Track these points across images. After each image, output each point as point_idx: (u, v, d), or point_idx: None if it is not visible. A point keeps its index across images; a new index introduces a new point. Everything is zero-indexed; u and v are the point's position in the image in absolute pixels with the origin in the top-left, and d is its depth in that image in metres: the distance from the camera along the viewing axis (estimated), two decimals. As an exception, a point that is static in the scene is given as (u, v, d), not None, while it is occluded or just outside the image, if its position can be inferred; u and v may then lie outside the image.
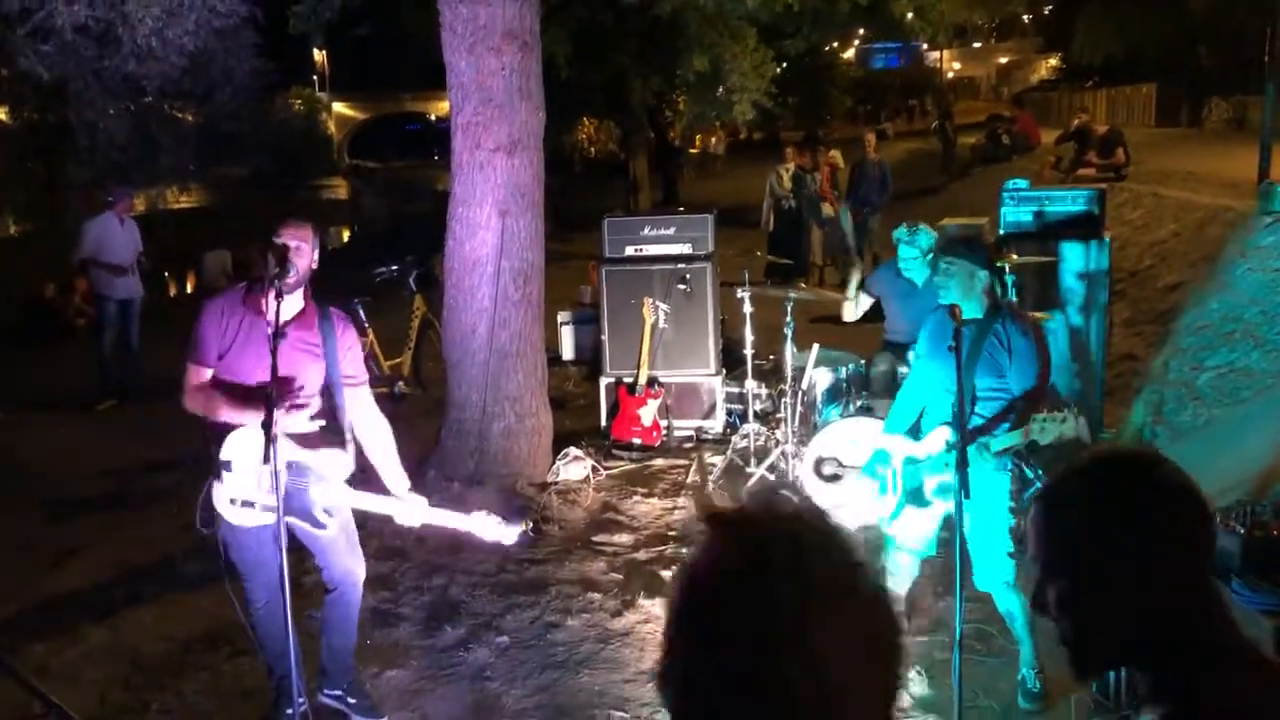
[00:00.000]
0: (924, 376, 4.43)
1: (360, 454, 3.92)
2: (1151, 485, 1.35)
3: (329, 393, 3.91)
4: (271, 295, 3.64)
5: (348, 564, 4.03)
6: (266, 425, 3.37)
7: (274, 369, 3.43)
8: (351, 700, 4.21)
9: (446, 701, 4.40)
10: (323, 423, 3.90)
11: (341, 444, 3.83)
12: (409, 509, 3.87)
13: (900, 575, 4.56)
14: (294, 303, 3.80)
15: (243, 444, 3.72)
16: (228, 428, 3.73)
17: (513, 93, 6.41)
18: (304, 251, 3.75)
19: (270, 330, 3.52)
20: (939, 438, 4.19)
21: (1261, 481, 5.40)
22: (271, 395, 3.40)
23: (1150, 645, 1.33)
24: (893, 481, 4.38)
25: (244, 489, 3.73)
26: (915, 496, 4.35)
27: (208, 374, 3.83)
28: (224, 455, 3.74)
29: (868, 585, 0.98)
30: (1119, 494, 1.35)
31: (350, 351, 3.96)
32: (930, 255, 5.45)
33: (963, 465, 3.49)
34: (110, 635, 5.05)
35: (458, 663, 4.69)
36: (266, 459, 3.46)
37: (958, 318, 3.64)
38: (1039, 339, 4.15)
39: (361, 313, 8.45)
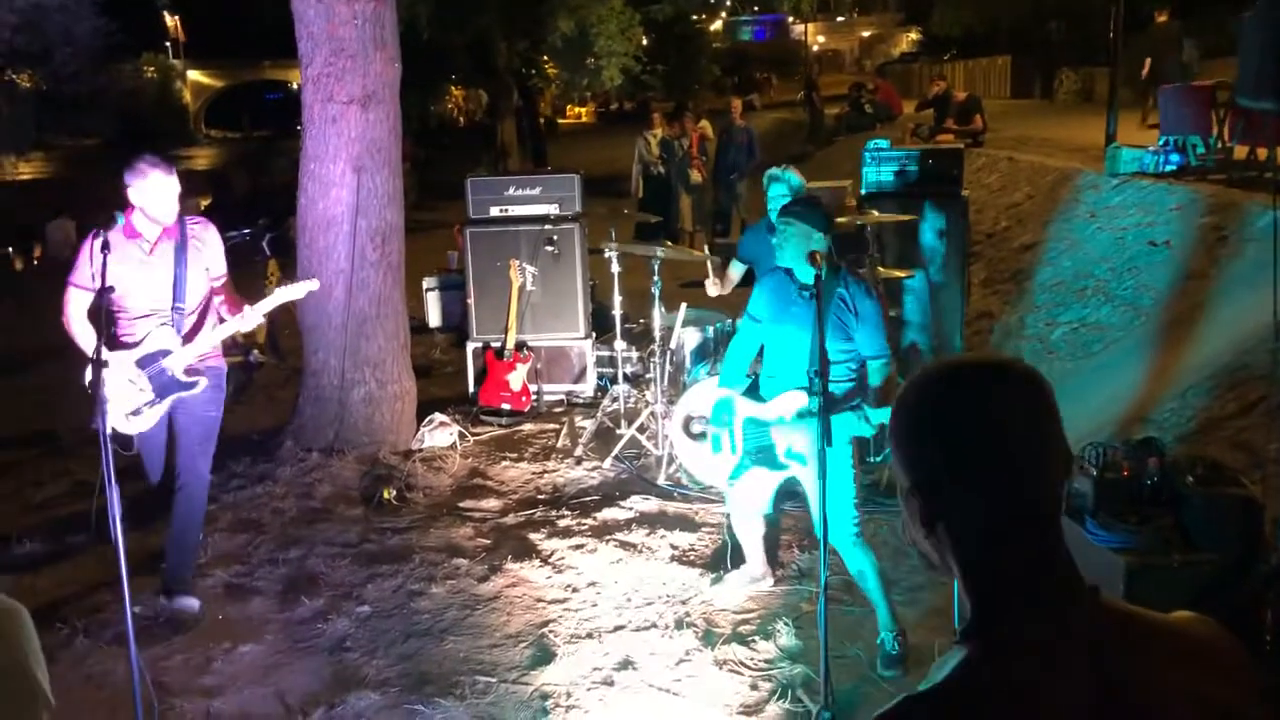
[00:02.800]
0: (757, 338, 4.40)
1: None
2: (959, 402, 1.20)
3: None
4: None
5: (195, 463, 4.56)
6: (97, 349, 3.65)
7: (104, 284, 3.76)
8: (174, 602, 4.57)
9: (304, 674, 4.19)
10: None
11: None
12: (245, 317, 4.47)
13: (746, 534, 4.57)
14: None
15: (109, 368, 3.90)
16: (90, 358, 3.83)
17: (366, 42, 6.13)
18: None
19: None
20: (791, 401, 4.16)
21: (1119, 425, 5.59)
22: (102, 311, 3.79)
23: (969, 574, 1.19)
24: (730, 440, 4.35)
25: (125, 402, 4.31)
26: (765, 458, 4.32)
27: (85, 297, 4.32)
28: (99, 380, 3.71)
29: None
30: (930, 405, 1.22)
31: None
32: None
33: (825, 414, 3.40)
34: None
35: (316, 635, 4.48)
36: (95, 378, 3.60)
37: (818, 263, 3.60)
38: (881, 301, 4.15)
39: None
